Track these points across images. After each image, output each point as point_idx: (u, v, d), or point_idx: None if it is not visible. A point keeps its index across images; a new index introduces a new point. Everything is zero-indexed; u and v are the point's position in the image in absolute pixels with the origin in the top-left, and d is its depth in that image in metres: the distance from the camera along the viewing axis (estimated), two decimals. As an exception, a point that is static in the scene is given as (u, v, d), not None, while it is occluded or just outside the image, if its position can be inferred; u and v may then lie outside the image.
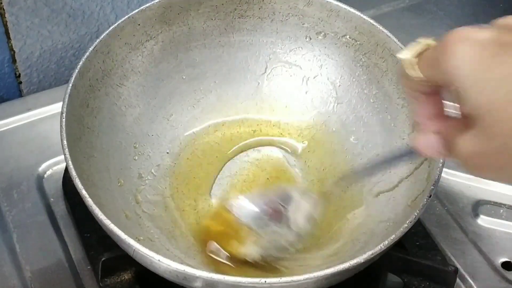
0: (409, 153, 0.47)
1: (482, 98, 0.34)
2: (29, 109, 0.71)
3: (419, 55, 0.39)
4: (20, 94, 0.76)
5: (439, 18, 0.85)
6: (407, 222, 0.49)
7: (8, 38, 0.70)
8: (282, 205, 0.56)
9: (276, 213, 0.56)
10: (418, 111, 0.42)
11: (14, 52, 0.71)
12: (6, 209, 0.63)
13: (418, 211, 0.50)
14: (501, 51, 0.34)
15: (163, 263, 0.46)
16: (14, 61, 0.72)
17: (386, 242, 0.48)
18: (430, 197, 0.51)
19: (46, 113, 0.71)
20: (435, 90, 0.40)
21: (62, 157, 0.65)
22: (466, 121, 0.37)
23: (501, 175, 0.36)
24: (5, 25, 0.68)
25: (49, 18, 0.71)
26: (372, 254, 0.48)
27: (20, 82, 0.75)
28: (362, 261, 0.47)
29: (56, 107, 0.71)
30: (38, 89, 0.76)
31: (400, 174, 0.58)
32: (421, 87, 0.40)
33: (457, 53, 0.35)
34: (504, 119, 0.34)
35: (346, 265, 0.47)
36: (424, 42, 0.39)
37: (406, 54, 0.39)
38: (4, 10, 0.67)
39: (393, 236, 0.48)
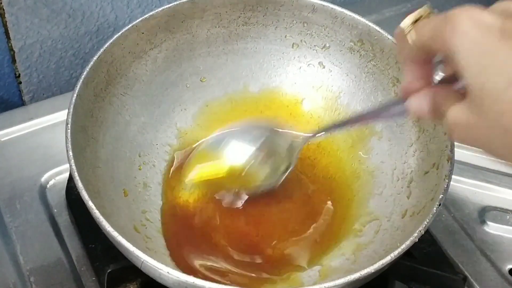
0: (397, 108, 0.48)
1: (479, 78, 0.37)
2: (31, 118, 0.71)
3: (416, 22, 0.42)
4: (20, 94, 0.75)
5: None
6: (417, 231, 0.49)
7: (8, 38, 0.69)
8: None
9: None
10: (409, 77, 0.44)
11: (14, 52, 0.71)
12: (9, 220, 0.63)
13: (428, 220, 0.49)
14: (503, 38, 0.36)
15: (172, 275, 0.46)
16: (13, 61, 0.72)
17: (397, 252, 0.48)
18: (439, 205, 0.51)
19: (48, 122, 0.70)
20: (427, 59, 0.43)
21: (65, 166, 0.66)
22: (456, 91, 0.41)
23: (486, 147, 0.39)
24: (4, 25, 0.68)
25: (49, 18, 0.70)
26: (382, 264, 0.47)
27: (20, 82, 0.74)
28: (373, 271, 0.47)
29: (58, 116, 0.70)
30: (38, 89, 0.76)
31: (408, 180, 0.58)
32: (416, 53, 0.43)
33: (461, 30, 0.37)
34: (499, 100, 0.36)
35: (356, 275, 0.47)
36: (425, 9, 0.43)
37: (409, 19, 0.43)
38: (4, 10, 0.67)
39: (404, 245, 0.48)
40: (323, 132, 0.59)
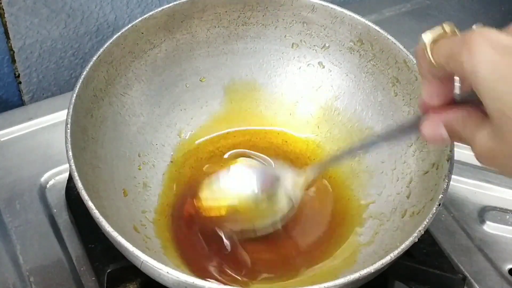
0: (411, 131, 0.47)
1: (497, 104, 0.35)
2: (30, 118, 0.71)
3: (436, 40, 0.40)
4: (19, 94, 0.75)
5: (441, 22, 0.85)
6: (417, 231, 0.49)
7: (8, 38, 0.70)
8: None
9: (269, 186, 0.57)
10: (428, 93, 0.42)
11: (14, 52, 0.71)
12: (9, 220, 0.63)
13: (427, 220, 0.49)
14: None
15: (172, 275, 0.46)
16: (13, 61, 0.72)
17: (396, 252, 0.48)
18: (439, 205, 0.51)
19: (48, 122, 0.70)
20: (449, 76, 0.41)
21: (65, 166, 0.66)
22: (477, 110, 0.38)
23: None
24: (4, 25, 0.68)
25: (49, 18, 0.70)
26: (382, 264, 0.47)
27: (20, 82, 0.74)
28: (373, 271, 0.47)
29: (58, 116, 0.70)
30: (38, 89, 0.76)
31: (408, 180, 0.58)
32: (435, 70, 0.40)
33: (478, 52, 0.36)
34: None
35: (356, 275, 0.47)
36: (445, 27, 0.40)
37: (428, 37, 0.40)
38: (3, 10, 0.67)
39: (404, 245, 0.48)
40: (327, 164, 0.58)
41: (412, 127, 0.46)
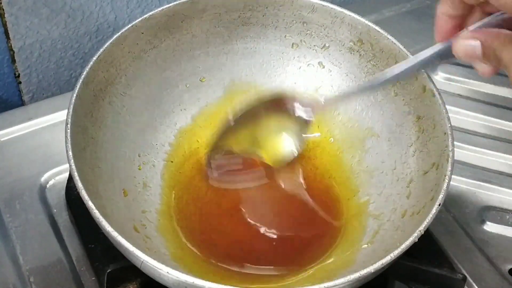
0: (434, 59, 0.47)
1: None
2: (30, 118, 0.71)
3: None
4: (19, 94, 0.76)
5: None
6: (417, 231, 0.49)
7: (8, 38, 0.70)
8: None
9: None
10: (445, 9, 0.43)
11: (14, 52, 0.71)
12: (9, 220, 0.63)
13: (427, 220, 0.50)
14: None
15: (172, 275, 0.46)
16: (13, 61, 0.72)
17: (397, 252, 0.48)
18: (439, 205, 0.51)
19: (47, 122, 0.71)
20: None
21: (65, 166, 0.66)
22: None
23: None
24: (4, 25, 0.68)
25: (49, 18, 0.70)
26: (382, 264, 0.47)
27: (20, 82, 0.75)
28: (373, 271, 0.47)
29: (58, 116, 0.70)
30: (38, 89, 0.76)
31: (408, 180, 0.58)
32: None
33: None
34: None
35: (356, 275, 0.47)
36: None
37: None
38: (3, 10, 0.67)
39: (404, 245, 0.48)
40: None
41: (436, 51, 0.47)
